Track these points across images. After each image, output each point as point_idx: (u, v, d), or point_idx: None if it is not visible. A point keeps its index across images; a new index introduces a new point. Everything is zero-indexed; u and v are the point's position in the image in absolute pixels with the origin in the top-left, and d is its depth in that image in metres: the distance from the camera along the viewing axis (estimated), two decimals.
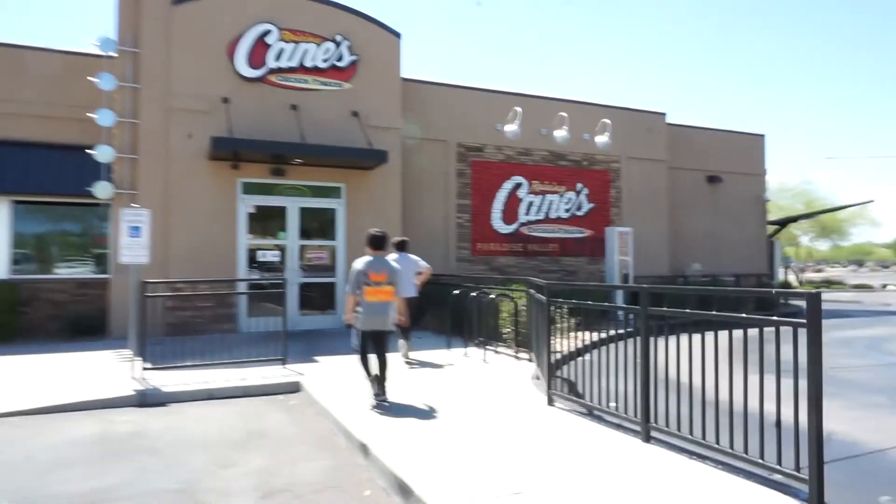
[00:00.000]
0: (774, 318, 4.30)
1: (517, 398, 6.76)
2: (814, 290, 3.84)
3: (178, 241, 11.85)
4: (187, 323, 11.22)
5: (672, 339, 5.01)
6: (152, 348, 8.02)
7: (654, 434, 5.00)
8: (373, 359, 6.71)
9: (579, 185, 17.25)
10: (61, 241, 12.78)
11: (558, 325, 6.95)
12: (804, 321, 3.84)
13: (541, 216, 16.69)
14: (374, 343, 6.71)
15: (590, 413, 5.88)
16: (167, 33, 12.04)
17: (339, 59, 13.30)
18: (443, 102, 15.55)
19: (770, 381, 4.00)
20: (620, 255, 16.01)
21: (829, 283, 35.07)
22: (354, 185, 13.43)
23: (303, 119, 12.76)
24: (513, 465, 4.49)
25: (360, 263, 6.71)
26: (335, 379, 7.75)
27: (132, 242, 8.08)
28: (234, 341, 9.76)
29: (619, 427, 5.39)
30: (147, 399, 7.05)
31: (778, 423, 3.97)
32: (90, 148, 11.19)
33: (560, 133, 16.02)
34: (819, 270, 58.15)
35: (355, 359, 6.95)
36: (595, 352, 5.92)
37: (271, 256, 12.76)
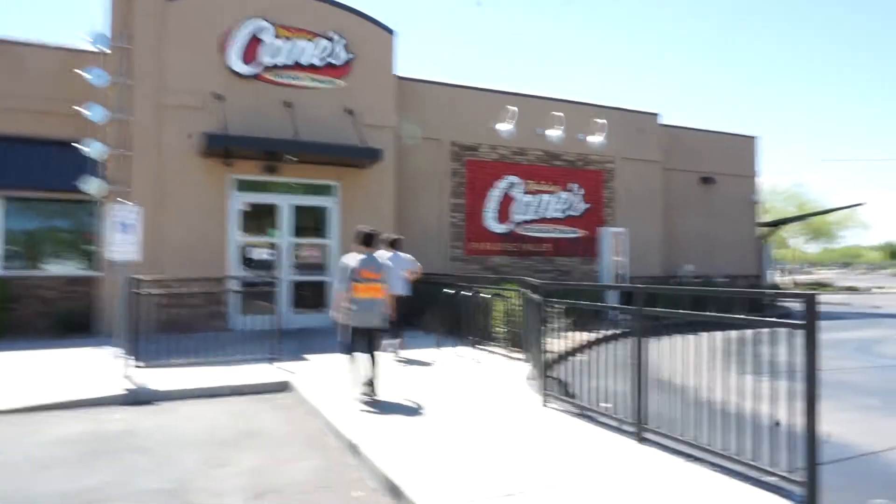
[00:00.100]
0: (772, 319, 4.28)
1: (510, 398, 6.73)
2: (809, 292, 3.83)
3: (170, 238, 11.77)
4: (179, 321, 11.11)
5: (666, 340, 4.99)
6: (143, 346, 7.95)
7: (648, 435, 4.99)
8: (361, 357, 6.69)
9: (573, 186, 17.25)
10: (52, 238, 12.67)
11: (552, 326, 6.93)
12: (802, 322, 3.83)
13: (535, 216, 16.67)
14: (366, 340, 6.70)
15: (584, 414, 5.86)
16: (161, 29, 11.94)
17: (334, 56, 13.24)
18: (437, 101, 15.51)
19: (765, 383, 4.00)
20: (615, 255, 16.02)
21: (819, 286, 35.25)
22: (348, 183, 13.38)
23: (297, 116, 12.69)
24: (505, 466, 4.46)
25: (351, 260, 6.69)
26: (326, 378, 7.70)
27: (123, 239, 7.98)
28: (225, 339, 9.70)
29: (613, 428, 5.37)
30: (137, 397, 6.98)
31: (775, 425, 3.96)
32: (81, 143, 11.08)
33: (555, 133, 16.03)
34: (808, 273, 58.47)
35: (344, 357, 6.92)
36: (589, 352, 5.91)
37: (264, 254, 12.69)
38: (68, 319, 11.58)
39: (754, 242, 22.05)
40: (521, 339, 8.85)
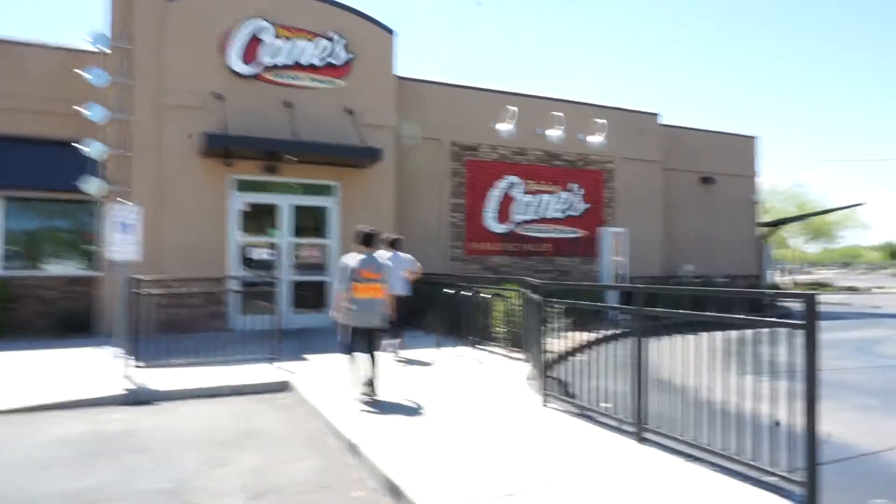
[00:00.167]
0: (772, 319, 4.28)
1: (510, 398, 6.73)
2: (810, 292, 3.83)
3: (170, 238, 11.77)
4: (179, 321, 11.10)
5: (666, 340, 4.99)
6: (143, 346, 7.95)
7: (648, 435, 4.99)
8: (361, 357, 6.70)
9: (573, 186, 17.25)
10: (52, 238, 12.67)
11: (552, 326, 6.93)
12: (802, 322, 3.83)
13: (535, 216, 16.67)
14: (366, 340, 6.70)
15: (584, 414, 5.86)
16: (161, 29, 11.94)
17: (334, 56, 13.23)
18: (437, 101, 15.51)
19: (765, 383, 4.00)
20: (614, 255, 16.02)
21: (819, 286, 35.25)
22: (348, 183, 13.38)
23: (296, 116, 12.69)
24: (506, 467, 4.46)
25: (351, 260, 6.70)
26: (326, 378, 7.70)
27: (122, 239, 7.98)
28: (226, 339, 9.70)
29: (613, 428, 5.37)
30: (137, 397, 6.97)
31: (775, 425, 3.96)
32: (81, 143, 11.08)
33: (555, 133, 16.02)
34: (808, 273, 58.48)
35: (344, 357, 6.92)
36: (589, 352, 5.90)
37: (264, 254, 12.69)
38: (68, 319, 11.58)
39: (754, 242, 22.05)
40: (522, 340, 8.85)
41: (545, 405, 6.31)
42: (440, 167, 15.53)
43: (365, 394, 6.57)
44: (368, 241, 6.84)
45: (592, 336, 6.54)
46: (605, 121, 16.68)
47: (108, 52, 11.57)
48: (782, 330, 4.05)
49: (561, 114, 16.13)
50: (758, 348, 4.36)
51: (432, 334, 10.65)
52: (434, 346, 10.04)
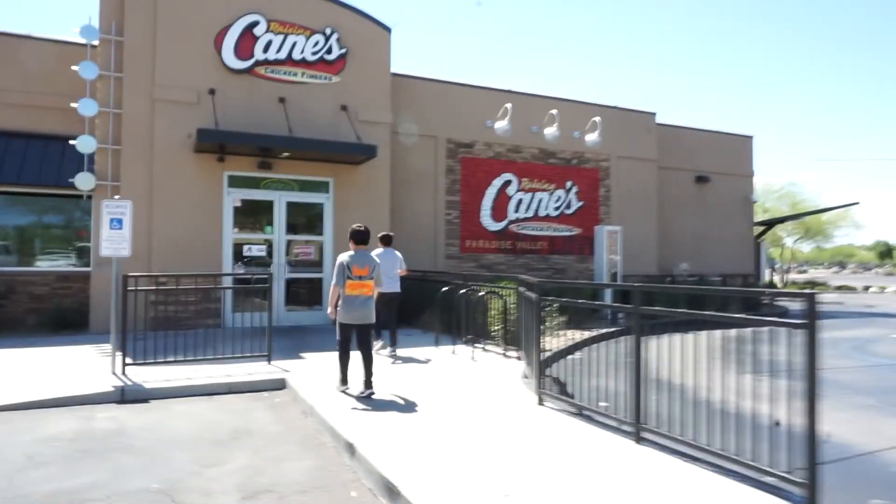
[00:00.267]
0: (772, 318, 4.24)
1: (506, 397, 6.68)
2: (809, 291, 3.79)
3: (162, 234, 11.66)
4: (171, 318, 10.99)
5: (665, 339, 4.95)
6: (135, 343, 7.85)
7: (645, 435, 4.95)
8: (355, 355, 6.68)
9: (569, 184, 17.22)
10: (43, 234, 12.54)
11: (549, 324, 6.88)
12: (802, 322, 3.80)
13: (530, 214, 16.63)
14: (356, 337, 6.70)
15: (581, 413, 5.82)
16: (152, 22, 11.81)
17: (328, 51, 13.13)
18: (433, 98, 15.44)
19: (764, 382, 3.96)
20: (610, 253, 15.99)
21: (813, 285, 35.36)
22: (343, 179, 13.29)
23: (291, 112, 12.59)
24: (502, 467, 4.41)
25: (345, 257, 6.71)
26: (321, 376, 7.63)
27: (113, 235, 7.87)
28: (219, 337, 9.60)
29: (610, 428, 5.33)
30: (128, 395, 6.89)
31: (775, 425, 3.92)
32: (73, 138, 10.97)
33: (550, 131, 15.98)
34: (802, 272, 58.75)
35: (339, 354, 6.87)
36: (586, 350, 5.86)
37: (257, 251, 12.59)
38: (60, 316, 11.45)
39: (750, 241, 22.11)
40: (518, 338, 8.80)
41: (541, 404, 6.26)
42: (435, 164, 15.46)
43: (361, 392, 6.55)
44: (359, 238, 6.87)
45: (588, 334, 6.50)
46: (600, 119, 16.65)
47: (97, 44, 11.43)
48: (782, 329, 4.01)
49: (556, 112, 16.09)
50: (757, 347, 4.32)
51: (428, 332, 10.60)
52: (429, 344, 10.00)
